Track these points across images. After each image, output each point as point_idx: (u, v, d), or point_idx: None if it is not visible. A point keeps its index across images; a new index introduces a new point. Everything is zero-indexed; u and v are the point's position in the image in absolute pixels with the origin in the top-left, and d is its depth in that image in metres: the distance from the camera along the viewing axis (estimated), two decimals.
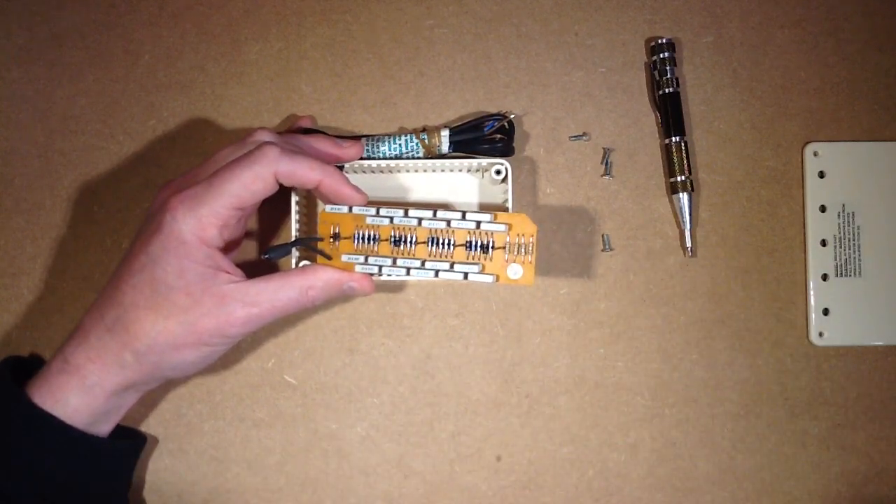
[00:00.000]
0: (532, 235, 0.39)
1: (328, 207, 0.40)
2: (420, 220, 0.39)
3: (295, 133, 0.43)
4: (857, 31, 0.47)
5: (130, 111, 0.47)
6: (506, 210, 0.42)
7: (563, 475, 0.45)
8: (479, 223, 0.39)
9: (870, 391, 0.46)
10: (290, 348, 0.45)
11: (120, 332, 0.37)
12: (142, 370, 0.37)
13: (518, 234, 0.39)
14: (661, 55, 0.46)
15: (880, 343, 0.46)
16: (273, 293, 0.38)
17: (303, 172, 0.38)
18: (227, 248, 0.39)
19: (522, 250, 0.39)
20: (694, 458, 0.45)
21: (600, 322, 0.46)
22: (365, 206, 0.40)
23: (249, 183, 0.37)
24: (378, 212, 0.40)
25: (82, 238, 0.46)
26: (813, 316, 0.46)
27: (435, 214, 0.39)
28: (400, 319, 0.45)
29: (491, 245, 0.39)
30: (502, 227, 0.39)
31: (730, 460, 0.45)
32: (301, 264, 0.42)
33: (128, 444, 0.41)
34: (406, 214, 0.39)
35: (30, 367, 0.40)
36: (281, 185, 0.39)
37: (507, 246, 0.39)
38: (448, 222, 0.39)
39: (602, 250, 0.46)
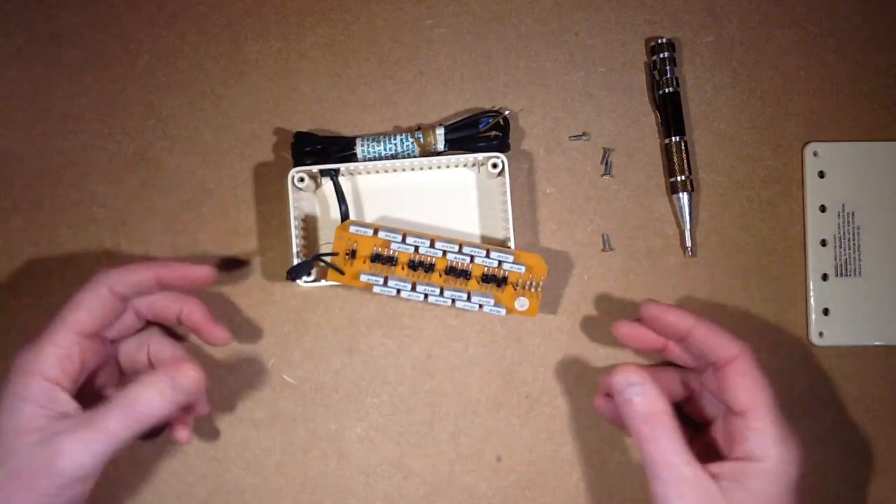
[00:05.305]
0: (543, 275, 0.42)
1: (352, 228, 0.41)
2: (445, 252, 0.41)
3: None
4: (857, 31, 0.47)
5: (130, 111, 0.46)
6: (509, 242, 0.43)
7: (563, 475, 0.45)
8: (500, 262, 0.41)
9: (870, 391, 0.46)
10: (289, 348, 0.45)
11: None
12: None
13: (530, 273, 0.42)
14: (661, 55, 0.46)
15: (880, 343, 0.46)
16: (102, 417, 0.35)
17: (136, 273, 0.39)
18: (91, 389, 0.39)
19: (530, 285, 0.42)
20: None
21: (600, 322, 0.46)
22: (385, 230, 0.41)
23: (84, 303, 0.37)
24: (404, 239, 0.41)
25: (81, 238, 0.46)
26: (813, 316, 0.46)
27: (461, 249, 0.41)
28: (400, 319, 0.45)
29: (505, 279, 0.42)
30: (522, 268, 0.42)
31: None
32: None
33: None
34: (432, 245, 0.41)
35: None
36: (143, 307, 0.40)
37: (519, 280, 0.42)
38: (472, 258, 0.41)
39: (602, 250, 0.46)
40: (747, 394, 0.36)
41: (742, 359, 0.37)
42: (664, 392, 0.37)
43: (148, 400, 0.36)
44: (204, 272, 0.40)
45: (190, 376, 0.38)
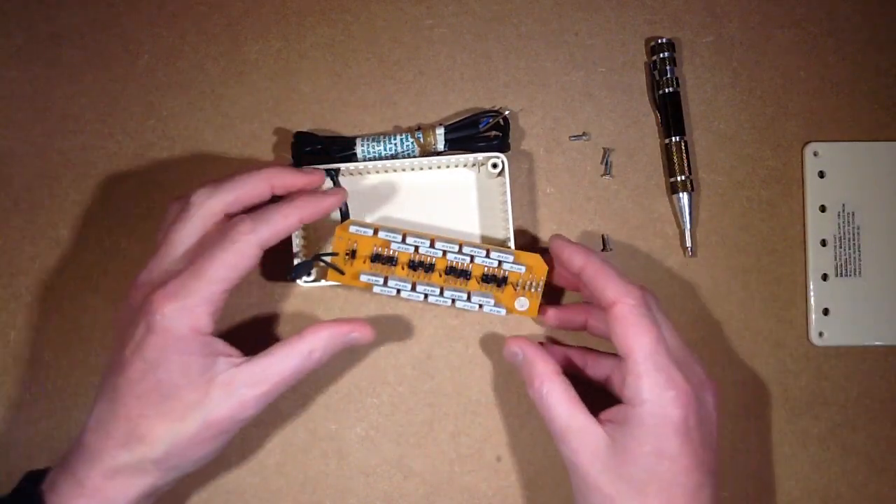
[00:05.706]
0: (542, 275, 0.42)
1: (352, 228, 0.41)
2: (445, 252, 0.41)
3: (232, 177, 0.40)
4: (857, 31, 0.47)
5: (130, 111, 0.46)
6: (509, 242, 0.43)
7: (563, 475, 0.45)
8: (501, 262, 0.41)
9: (870, 391, 0.46)
10: None
11: (135, 445, 0.36)
12: (163, 475, 0.37)
13: (530, 273, 0.42)
14: (661, 55, 0.46)
15: (880, 343, 0.46)
16: (278, 366, 0.38)
17: (283, 225, 0.38)
18: None
19: (530, 285, 0.42)
20: None
21: None
22: (387, 229, 0.41)
23: (236, 263, 0.37)
24: (404, 239, 0.41)
25: (81, 238, 0.46)
26: (813, 316, 0.46)
27: (461, 249, 0.41)
28: (400, 319, 0.45)
29: (505, 279, 0.42)
30: (522, 268, 0.42)
31: (730, 460, 0.45)
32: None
33: None
34: (432, 245, 0.41)
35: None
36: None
37: (519, 280, 0.42)
38: (472, 258, 0.41)
39: (602, 250, 0.46)
40: (622, 339, 0.37)
41: (620, 304, 0.37)
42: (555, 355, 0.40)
43: (321, 354, 0.39)
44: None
45: (367, 337, 0.40)
